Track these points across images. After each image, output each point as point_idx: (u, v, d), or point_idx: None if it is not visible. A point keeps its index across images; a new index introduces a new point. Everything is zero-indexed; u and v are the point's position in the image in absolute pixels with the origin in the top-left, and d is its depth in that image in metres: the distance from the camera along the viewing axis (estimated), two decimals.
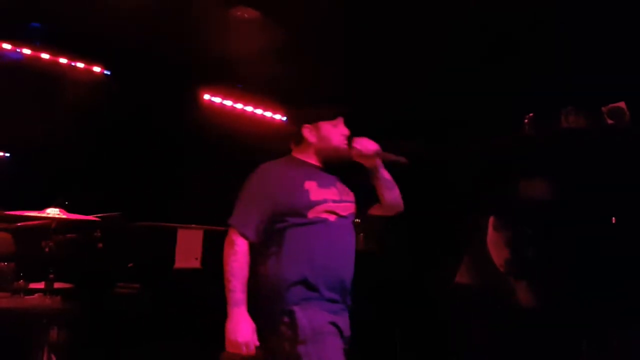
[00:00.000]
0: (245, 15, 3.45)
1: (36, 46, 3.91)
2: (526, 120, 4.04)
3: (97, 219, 3.36)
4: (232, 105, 4.87)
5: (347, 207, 2.15)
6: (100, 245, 3.55)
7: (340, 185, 2.18)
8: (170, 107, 4.40)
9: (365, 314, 4.23)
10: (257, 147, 4.69)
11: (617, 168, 3.20)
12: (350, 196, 2.19)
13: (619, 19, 3.12)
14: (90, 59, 4.17)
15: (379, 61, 3.94)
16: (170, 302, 3.24)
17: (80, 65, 4.14)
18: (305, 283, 1.93)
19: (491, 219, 2.88)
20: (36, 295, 2.98)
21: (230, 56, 3.73)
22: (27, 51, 3.90)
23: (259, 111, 5.01)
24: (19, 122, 4.00)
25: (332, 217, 2.05)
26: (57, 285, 3.02)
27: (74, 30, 3.75)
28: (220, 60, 3.86)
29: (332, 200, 2.08)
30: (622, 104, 3.46)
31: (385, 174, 2.22)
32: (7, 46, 3.85)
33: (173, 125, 4.47)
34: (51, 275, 2.99)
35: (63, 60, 4.06)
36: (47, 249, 3.04)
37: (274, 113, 5.10)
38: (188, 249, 3.36)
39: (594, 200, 3.34)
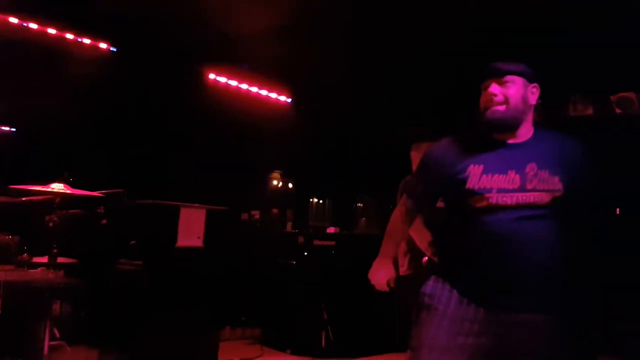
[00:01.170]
0: None
1: (42, 21, 3.89)
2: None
3: (101, 195, 3.37)
4: (237, 86, 4.84)
5: (529, 196, 1.71)
6: (104, 221, 3.57)
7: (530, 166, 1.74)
8: (175, 86, 4.38)
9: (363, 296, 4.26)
10: (260, 128, 4.69)
11: (625, 157, 3.15)
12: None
13: (628, 6, 3.05)
14: (96, 36, 4.15)
15: (385, 41, 3.90)
16: (171, 279, 3.27)
17: (87, 41, 4.12)
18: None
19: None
20: (39, 269, 3.01)
21: (237, 36, 3.70)
22: (33, 26, 3.89)
23: (263, 92, 4.99)
24: (25, 98, 4.00)
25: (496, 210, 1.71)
26: (60, 260, 3.05)
27: (81, 6, 3.72)
28: (226, 40, 3.84)
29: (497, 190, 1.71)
30: (631, 95, 3.41)
31: None
32: (14, 20, 3.83)
33: (178, 104, 4.46)
34: (54, 250, 3.01)
35: (69, 36, 4.04)
36: (50, 224, 3.06)
37: (279, 94, 5.07)
38: (190, 227, 3.38)
39: (601, 190, 3.28)
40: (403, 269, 2.99)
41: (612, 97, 3.87)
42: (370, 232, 5.09)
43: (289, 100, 5.11)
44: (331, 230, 4.81)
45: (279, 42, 3.81)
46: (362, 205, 5.71)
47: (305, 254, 4.52)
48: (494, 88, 1.80)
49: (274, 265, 4.57)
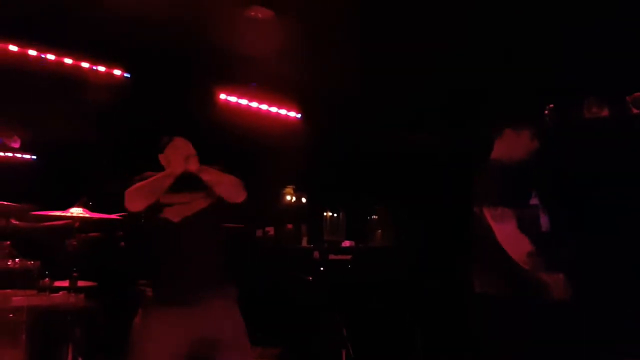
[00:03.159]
0: (260, 15, 3.49)
1: (59, 51, 4.03)
2: (547, 112, 3.96)
3: (118, 217, 3.45)
4: (247, 104, 4.92)
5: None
6: (122, 243, 3.64)
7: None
8: (187, 107, 4.48)
9: (383, 311, 4.24)
10: (271, 144, 4.74)
11: None
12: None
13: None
14: (111, 63, 4.27)
15: (392, 57, 3.94)
16: None
17: (102, 68, 4.25)
18: None
19: (487, 212, 2.24)
20: (61, 293, 3.08)
21: (245, 55, 3.77)
22: (51, 57, 4.03)
23: (273, 109, 5.05)
24: (44, 125, 4.13)
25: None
26: (80, 283, 3.12)
27: (95, 35, 3.85)
28: (235, 60, 3.92)
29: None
30: None
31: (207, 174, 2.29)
32: (32, 52, 3.98)
33: (191, 125, 4.54)
34: (75, 274, 3.08)
35: (85, 65, 4.17)
36: (70, 248, 3.14)
37: (288, 110, 5.13)
38: None
39: (619, 190, 3.20)
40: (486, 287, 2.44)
41: (627, 98, 3.83)
42: (387, 245, 5.08)
43: (298, 115, 5.17)
44: (346, 244, 4.82)
45: (285, 60, 3.88)
46: (377, 217, 5.71)
47: (322, 269, 4.53)
48: None
49: (290, 281, 4.59)
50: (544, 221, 2.43)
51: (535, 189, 2.43)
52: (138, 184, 2.25)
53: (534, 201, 2.38)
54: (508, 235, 2.28)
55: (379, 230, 5.55)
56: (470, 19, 3.45)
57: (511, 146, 2.48)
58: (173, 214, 2.25)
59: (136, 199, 2.23)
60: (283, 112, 5.11)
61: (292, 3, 3.38)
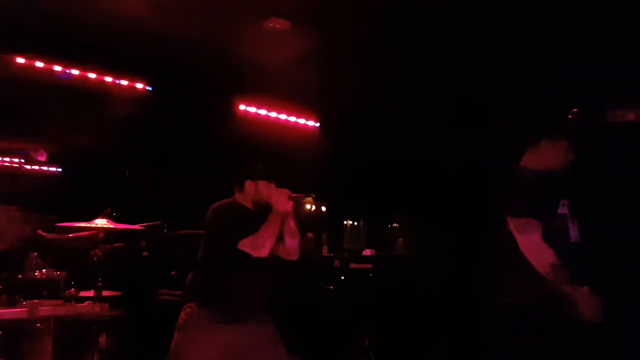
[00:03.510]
0: (277, 26, 3.53)
1: (83, 67, 4.14)
2: (570, 116, 3.89)
3: (141, 227, 3.50)
4: (266, 114, 4.97)
5: None
6: (145, 253, 3.69)
7: None
8: (208, 119, 4.54)
9: (406, 321, 4.19)
10: (290, 153, 4.76)
11: None
12: None
13: None
14: (133, 76, 4.37)
15: (412, 64, 3.93)
16: None
17: (124, 82, 4.34)
18: None
19: (511, 222, 2.22)
20: (86, 302, 3.13)
21: (264, 65, 3.82)
22: (75, 72, 4.14)
23: (292, 118, 5.08)
24: (70, 139, 4.23)
25: None
26: (105, 293, 3.17)
27: (118, 50, 3.95)
28: (254, 70, 3.96)
29: None
30: None
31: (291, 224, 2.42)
32: (57, 67, 4.09)
33: (211, 136, 4.61)
34: (99, 284, 3.13)
35: (108, 79, 4.27)
36: (95, 258, 3.20)
37: (307, 119, 5.15)
38: None
39: None
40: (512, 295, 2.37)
41: None
42: (408, 254, 5.04)
43: (317, 124, 5.19)
44: (367, 252, 4.80)
45: (303, 69, 3.91)
46: (397, 225, 5.67)
47: (342, 278, 4.51)
48: None
49: (310, 290, 4.58)
50: (573, 232, 2.37)
51: (566, 199, 2.37)
52: (267, 232, 2.34)
53: (563, 210, 2.32)
54: (531, 245, 2.24)
55: (400, 239, 5.51)
56: (493, 23, 3.43)
57: (545, 157, 2.42)
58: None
59: (269, 245, 2.34)
60: (302, 121, 5.14)
61: (309, 13, 3.41)
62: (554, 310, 2.20)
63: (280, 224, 2.36)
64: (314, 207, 5.75)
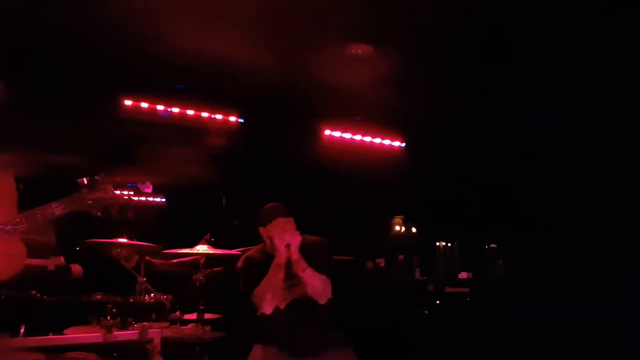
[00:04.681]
0: (359, 52, 3.57)
1: (182, 104, 4.49)
2: None
3: (238, 252, 3.64)
4: (351, 138, 5.01)
5: None
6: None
7: None
8: (296, 145, 4.68)
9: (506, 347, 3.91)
10: (377, 175, 4.75)
11: None
12: None
13: None
14: (226, 110, 4.65)
15: (494, 75, 3.78)
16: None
17: (219, 116, 4.64)
18: None
19: None
20: (190, 325, 3.30)
21: (347, 89, 3.88)
22: (175, 110, 4.50)
23: (377, 140, 5.07)
24: (172, 170, 4.57)
25: None
26: (207, 315, 3.32)
27: (214, 88, 4.25)
28: (338, 95, 4.04)
29: None
30: None
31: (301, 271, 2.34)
32: (160, 107, 4.48)
33: (299, 162, 4.74)
34: (202, 307, 3.29)
35: (204, 114, 4.59)
36: (197, 283, 3.37)
37: (392, 140, 5.12)
38: None
39: None
40: None
41: None
42: (509, 276, 4.73)
43: (403, 145, 5.13)
44: (463, 275, 4.58)
45: (387, 91, 3.91)
46: (495, 246, 5.37)
47: (437, 302, 4.34)
48: None
49: (404, 316, 4.45)
50: None
51: None
52: (263, 289, 2.35)
53: None
54: None
55: (500, 260, 5.19)
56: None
57: None
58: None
59: (267, 304, 2.35)
60: (387, 142, 5.12)
61: (390, 36, 3.42)
62: None
63: (280, 275, 2.31)
64: (403, 229, 5.63)
